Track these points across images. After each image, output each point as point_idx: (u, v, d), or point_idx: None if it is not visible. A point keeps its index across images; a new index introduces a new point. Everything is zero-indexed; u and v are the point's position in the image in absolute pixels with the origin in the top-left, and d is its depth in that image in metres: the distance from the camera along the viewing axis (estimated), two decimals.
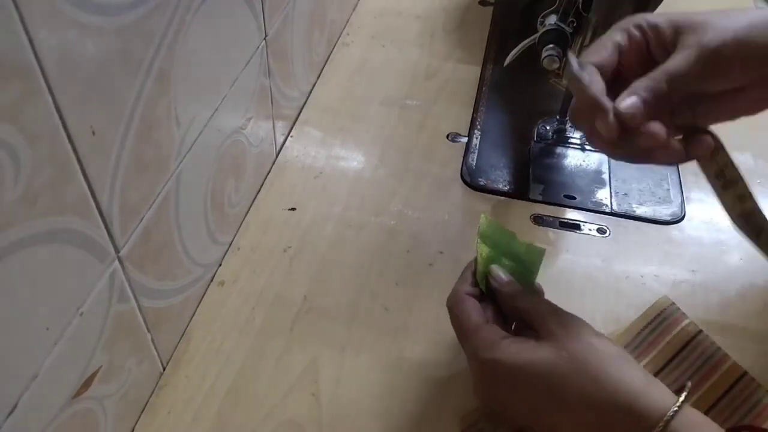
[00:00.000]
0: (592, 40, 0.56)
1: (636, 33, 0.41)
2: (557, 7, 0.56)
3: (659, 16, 0.41)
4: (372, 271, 0.56)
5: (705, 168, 0.42)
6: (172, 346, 0.50)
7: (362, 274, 0.56)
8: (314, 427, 0.46)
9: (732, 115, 0.42)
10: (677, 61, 0.39)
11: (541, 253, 0.46)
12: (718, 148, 0.41)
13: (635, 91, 0.39)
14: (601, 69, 0.41)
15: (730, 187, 0.41)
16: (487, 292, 0.45)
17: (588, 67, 0.40)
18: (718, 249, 0.58)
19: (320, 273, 0.56)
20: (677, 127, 0.41)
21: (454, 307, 0.43)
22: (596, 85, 0.39)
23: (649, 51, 0.41)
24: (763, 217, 0.41)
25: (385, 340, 0.51)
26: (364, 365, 0.50)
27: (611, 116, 0.38)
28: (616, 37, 0.41)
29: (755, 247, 0.41)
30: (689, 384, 0.37)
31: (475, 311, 0.42)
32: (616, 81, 0.41)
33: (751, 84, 0.40)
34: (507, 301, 0.43)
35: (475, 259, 0.46)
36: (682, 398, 0.35)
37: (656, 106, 0.39)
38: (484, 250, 0.45)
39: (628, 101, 0.38)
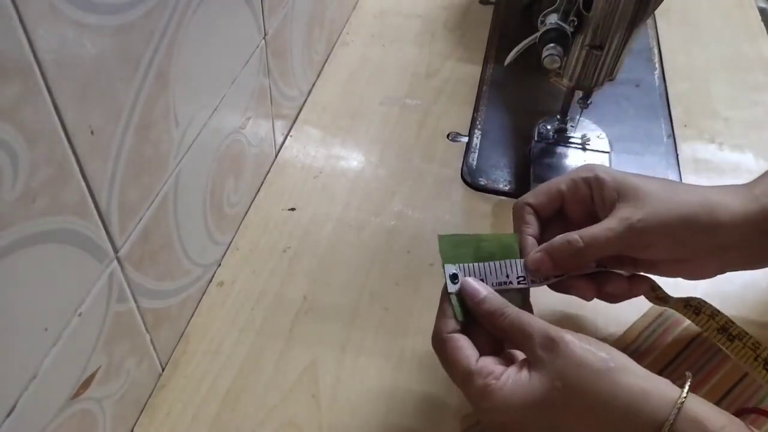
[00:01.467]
0: (593, 39, 0.55)
1: (583, 186, 0.44)
2: (558, 6, 0.56)
3: (610, 173, 0.44)
4: (372, 271, 0.56)
5: (648, 298, 0.48)
6: (171, 346, 0.50)
7: (362, 274, 0.56)
8: (314, 428, 0.46)
9: (671, 276, 0.46)
10: (600, 231, 0.42)
11: (515, 238, 0.44)
12: (652, 283, 0.47)
13: (546, 248, 0.43)
14: (537, 210, 0.45)
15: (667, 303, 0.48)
16: (465, 317, 0.41)
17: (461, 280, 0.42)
18: None
19: (320, 273, 0.56)
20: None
21: (439, 352, 0.40)
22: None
23: (593, 201, 0.44)
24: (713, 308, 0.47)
25: (385, 340, 0.51)
26: (364, 365, 0.49)
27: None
28: (561, 186, 0.45)
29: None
30: (689, 375, 0.36)
31: (461, 352, 0.39)
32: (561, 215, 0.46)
33: (687, 257, 0.43)
34: (487, 320, 0.40)
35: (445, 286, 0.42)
36: (684, 394, 0.34)
37: (576, 259, 0.42)
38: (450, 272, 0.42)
39: (534, 257, 0.43)
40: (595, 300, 0.54)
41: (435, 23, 0.86)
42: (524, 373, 0.37)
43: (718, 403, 0.46)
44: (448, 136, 0.69)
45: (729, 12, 0.88)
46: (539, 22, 0.57)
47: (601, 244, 0.42)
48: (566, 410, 0.35)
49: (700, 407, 0.34)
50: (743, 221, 0.41)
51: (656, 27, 0.85)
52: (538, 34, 0.56)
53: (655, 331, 0.49)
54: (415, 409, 0.47)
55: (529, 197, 0.46)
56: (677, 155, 0.67)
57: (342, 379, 0.49)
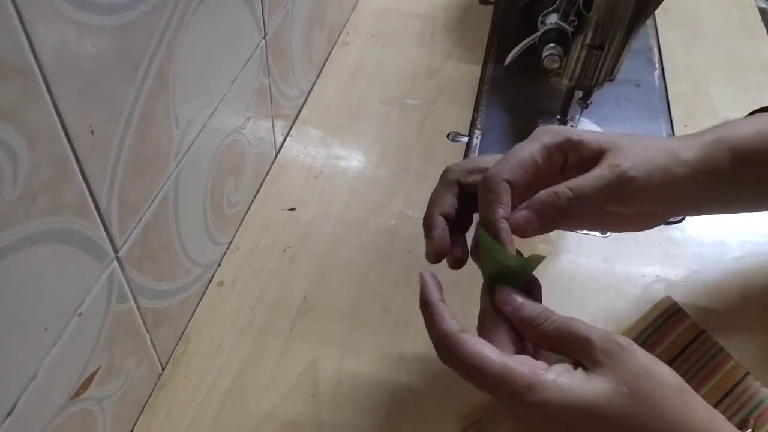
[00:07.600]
0: (593, 39, 0.55)
1: (556, 154, 0.41)
2: (558, 6, 0.56)
3: (579, 132, 0.41)
4: (372, 271, 0.56)
5: None
6: (171, 346, 0.50)
7: (362, 274, 0.56)
8: (314, 428, 0.46)
9: (622, 230, 0.46)
10: (589, 180, 0.39)
11: (538, 260, 0.39)
12: None
13: (532, 204, 0.39)
14: (514, 187, 0.39)
15: None
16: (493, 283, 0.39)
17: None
18: (719, 249, 0.58)
19: (320, 273, 0.56)
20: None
21: (457, 357, 0.35)
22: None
23: (564, 170, 0.41)
24: None
25: (385, 340, 0.51)
26: (364, 365, 0.49)
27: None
28: (536, 156, 0.40)
29: None
30: (752, 421, 0.35)
31: (488, 349, 0.34)
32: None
33: (653, 210, 0.42)
34: (528, 326, 0.37)
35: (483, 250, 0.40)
36: None
37: (565, 213, 0.39)
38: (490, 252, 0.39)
39: (519, 215, 0.39)
40: (596, 299, 0.54)
41: (435, 23, 0.86)
42: (579, 372, 0.34)
43: (718, 403, 0.46)
44: (448, 136, 0.69)
45: (729, 12, 0.88)
46: (539, 22, 0.57)
47: (591, 194, 0.38)
48: (630, 419, 0.33)
49: None
50: (699, 167, 0.40)
51: (656, 27, 0.85)
52: (538, 34, 0.56)
53: (656, 331, 0.49)
54: (414, 409, 0.47)
55: (505, 171, 0.39)
56: None
57: (342, 379, 0.49)
